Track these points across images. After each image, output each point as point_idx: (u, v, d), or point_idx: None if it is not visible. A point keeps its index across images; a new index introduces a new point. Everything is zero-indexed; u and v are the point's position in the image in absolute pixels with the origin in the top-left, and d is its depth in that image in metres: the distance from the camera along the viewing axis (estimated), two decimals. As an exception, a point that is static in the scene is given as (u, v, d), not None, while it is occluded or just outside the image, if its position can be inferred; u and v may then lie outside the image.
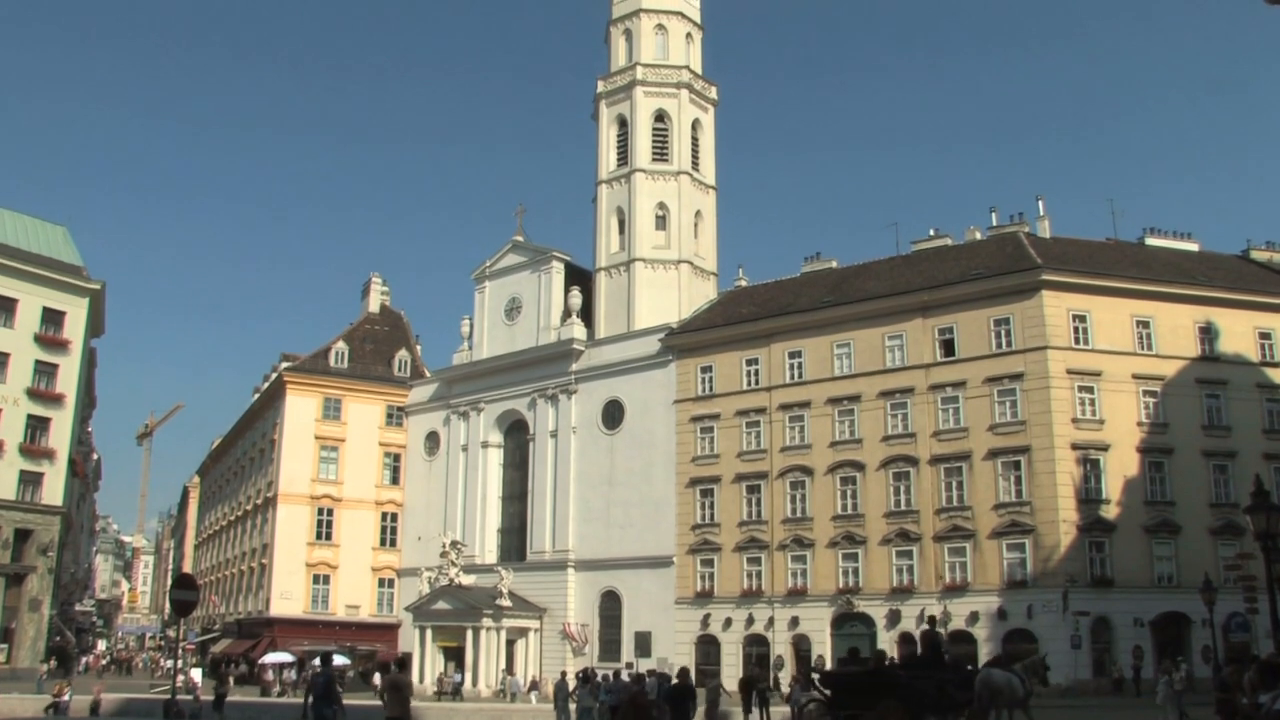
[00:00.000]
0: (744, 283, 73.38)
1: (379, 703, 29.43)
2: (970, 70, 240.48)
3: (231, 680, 65.86)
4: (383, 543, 79.33)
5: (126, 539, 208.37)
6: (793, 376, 61.18)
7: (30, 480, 62.56)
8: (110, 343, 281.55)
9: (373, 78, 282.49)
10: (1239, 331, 55.79)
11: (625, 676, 55.98)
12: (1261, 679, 14.25)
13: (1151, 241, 62.81)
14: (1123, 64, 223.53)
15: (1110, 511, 51.87)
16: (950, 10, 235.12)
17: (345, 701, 23.04)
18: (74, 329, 65.76)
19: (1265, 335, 56.23)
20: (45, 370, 64.00)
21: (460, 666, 65.51)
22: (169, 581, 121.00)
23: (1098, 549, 51.46)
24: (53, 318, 64.76)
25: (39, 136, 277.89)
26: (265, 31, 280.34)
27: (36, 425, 63.18)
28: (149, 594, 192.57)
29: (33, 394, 62.84)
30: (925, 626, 47.97)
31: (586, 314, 73.85)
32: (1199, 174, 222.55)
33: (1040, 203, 63.19)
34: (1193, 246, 63.08)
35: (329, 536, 77.42)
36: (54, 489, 63.73)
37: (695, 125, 77.22)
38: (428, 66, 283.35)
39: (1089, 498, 51.76)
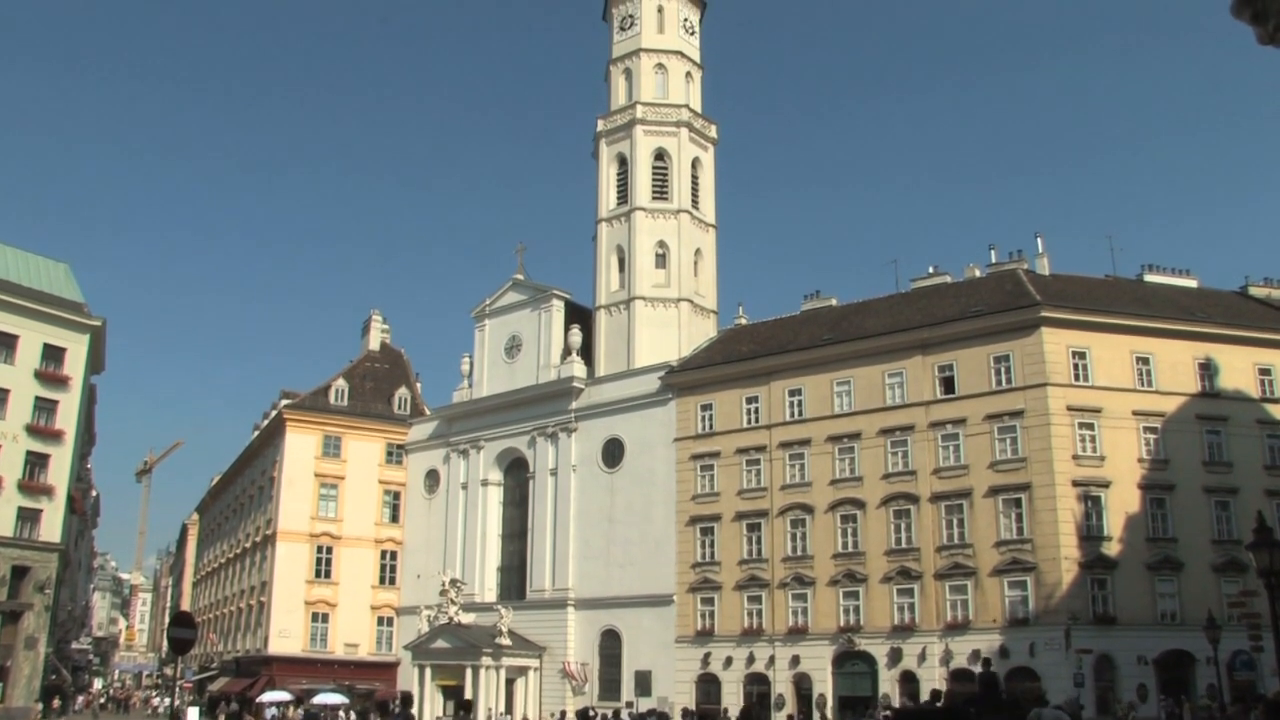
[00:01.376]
0: (744, 320, 73.52)
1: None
2: (968, 107, 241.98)
3: (222, 718, 65.71)
4: (382, 581, 79.02)
5: (124, 576, 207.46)
6: (793, 414, 61.16)
7: (28, 517, 62.31)
8: (110, 379, 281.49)
9: (373, 115, 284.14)
10: (1239, 367, 55.82)
11: (625, 716, 55.82)
12: (1268, 718, 14.18)
13: (1150, 278, 62.99)
14: (1120, 101, 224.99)
15: (1112, 548, 51.65)
16: (947, 48, 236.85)
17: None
18: (74, 365, 65.76)
19: (1265, 371, 56.21)
20: (45, 406, 63.90)
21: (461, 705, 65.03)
22: (167, 619, 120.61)
23: (1100, 586, 51.19)
24: (53, 354, 64.74)
25: (43, 173, 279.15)
26: (266, 69, 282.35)
27: (35, 461, 63.01)
28: (146, 632, 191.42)
29: (32, 430, 62.72)
30: (982, 668, 47.82)
31: (586, 352, 73.91)
32: (1197, 211, 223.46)
33: (1039, 240, 63.87)
34: (1191, 283, 63.28)
35: (328, 574, 77.13)
36: (52, 526, 63.48)
37: (695, 164, 77.57)
38: (428, 104, 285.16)
39: (1090, 534, 51.56)
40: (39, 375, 63.65)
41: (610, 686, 64.97)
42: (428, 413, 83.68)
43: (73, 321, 66.18)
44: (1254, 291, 63.67)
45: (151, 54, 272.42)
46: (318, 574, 76.78)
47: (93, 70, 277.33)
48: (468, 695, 64.21)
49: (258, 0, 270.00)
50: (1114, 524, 52.04)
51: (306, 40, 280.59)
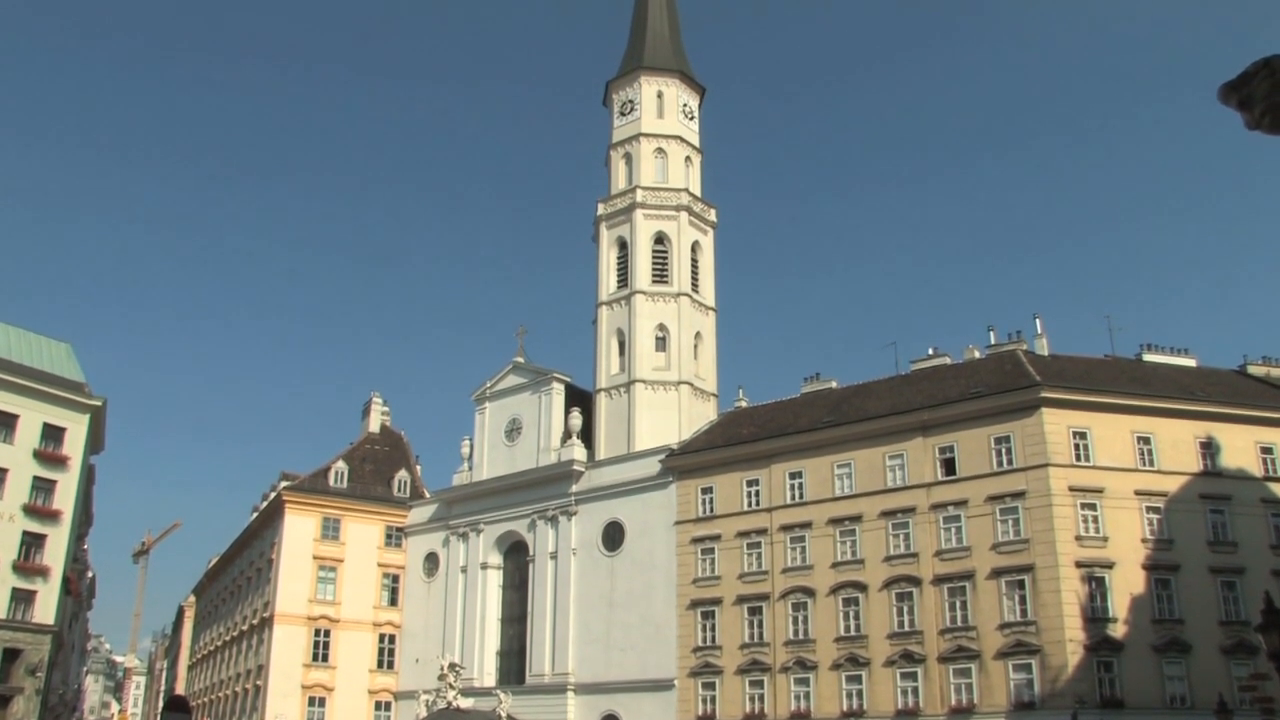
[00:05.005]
0: (744, 403, 73.54)
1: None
2: (965, 190, 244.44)
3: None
4: (380, 665, 78.08)
5: (119, 659, 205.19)
6: (794, 497, 60.94)
7: (22, 598, 61.64)
8: (109, 459, 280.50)
9: (374, 198, 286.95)
10: (1240, 446, 55.63)
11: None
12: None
13: (1149, 357, 63.17)
14: (1115, 181, 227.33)
15: (1118, 630, 51.02)
16: (944, 132, 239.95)
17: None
18: (74, 445, 65.59)
19: (1267, 450, 56.02)
20: (43, 486, 63.58)
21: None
22: (161, 703, 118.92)
23: (1106, 669, 50.45)
24: (53, 434, 64.59)
25: (46, 253, 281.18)
26: (270, 152, 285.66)
27: (32, 542, 62.49)
28: (140, 716, 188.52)
29: (29, 510, 62.32)
30: None
31: (587, 435, 73.87)
32: (1194, 290, 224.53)
33: (1038, 320, 64.11)
34: (1190, 362, 63.41)
35: (326, 658, 76.22)
36: (46, 607, 62.77)
37: (695, 247, 78.18)
38: (429, 187, 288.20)
39: (1095, 616, 50.98)
40: (38, 455, 63.45)
41: (610, 774, 63.97)
42: (427, 495, 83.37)
43: (73, 401, 66.13)
44: (1253, 370, 63.75)
45: (154, 134, 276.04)
46: (315, 657, 75.89)
47: (95, 150, 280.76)
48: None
49: (262, 78, 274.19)
50: (1119, 605, 51.48)
51: (308, 121, 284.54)
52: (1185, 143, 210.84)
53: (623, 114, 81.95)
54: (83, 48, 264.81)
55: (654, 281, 76.01)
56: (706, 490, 64.64)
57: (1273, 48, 8.70)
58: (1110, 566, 51.98)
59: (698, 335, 76.49)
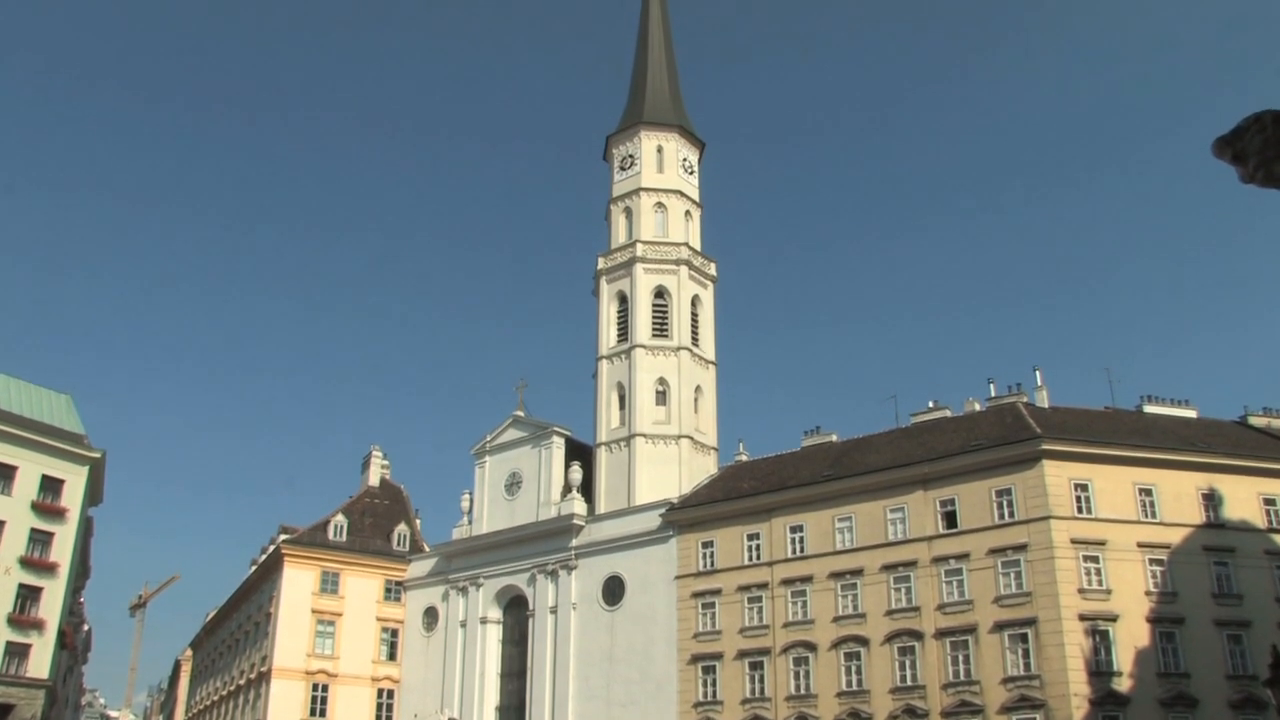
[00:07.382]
0: (744, 457, 73.32)
1: None
2: (964, 242, 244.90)
3: None
4: (378, 720, 77.34)
5: (113, 714, 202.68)
6: (794, 551, 60.64)
7: (16, 652, 61.16)
8: (108, 511, 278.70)
9: (373, 250, 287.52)
10: (1242, 497, 55.33)
11: None
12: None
13: (1150, 409, 63.08)
14: (1113, 233, 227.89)
15: (1123, 684, 50.45)
16: (943, 184, 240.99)
17: None
18: (72, 497, 65.45)
19: (1270, 501, 55.68)
20: (40, 538, 63.35)
21: None
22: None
23: (1112, 724, 49.92)
24: (51, 485, 64.49)
25: (48, 305, 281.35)
26: (268, 205, 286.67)
27: (27, 595, 62.15)
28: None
29: (26, 563, 62.04)
30: None
31: (587, 489, 73.67)
32: (1194, 341, 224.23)
33: (1038, 373, 64.16)
34: (1191, 413, 63.30)
35: (323, 713, 75.40)
36: (40, 661, 62.26)
37: (695, 301, 78.43)
38: (429, 241, 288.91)
39: (1100, 670, 50.44)
40: (36, 507, 63.28)
41: (609, 833, 63.07)
42: (427, 549, 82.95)
43: (72, 453, 66.08)
44: (1254, 421, 63.54)
45: (153, 185, 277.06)
46: (313, 713, 75.09)
47: (96, 201, 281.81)
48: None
49: (264, 130, 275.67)
50: (1124, 659, 50.96)
51: (308, 175, 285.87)
52: (1184, 194, 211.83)
53: (623, 168, 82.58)
54: (81, 98, 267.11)
55: (654, 335, 76.19)
56: (707, 544, 64.33)
57: (1267, 101, 8.78)
58: (1114, 619, 51.54)
59: (698, 389, 76.50)
